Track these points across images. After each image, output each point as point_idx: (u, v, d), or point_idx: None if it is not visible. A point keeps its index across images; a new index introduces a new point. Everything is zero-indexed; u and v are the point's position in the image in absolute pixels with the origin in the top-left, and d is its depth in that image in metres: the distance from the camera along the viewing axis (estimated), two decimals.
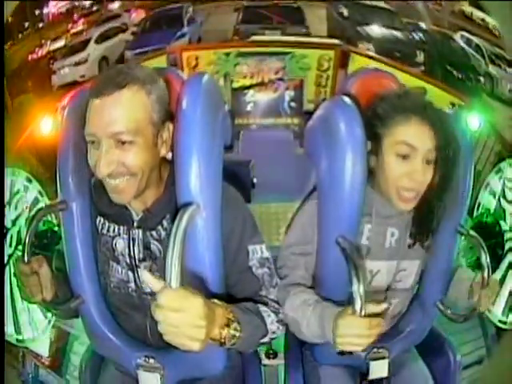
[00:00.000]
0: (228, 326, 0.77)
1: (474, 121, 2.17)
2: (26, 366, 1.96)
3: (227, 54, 2.81)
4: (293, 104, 2.91)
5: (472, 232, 1.02)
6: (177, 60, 2.75)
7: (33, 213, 0.88)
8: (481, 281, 0.96)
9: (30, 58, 2.56)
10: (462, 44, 2.67)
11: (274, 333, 0.94)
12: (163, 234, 0.91)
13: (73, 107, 0.93)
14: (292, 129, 2.84)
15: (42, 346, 1.97)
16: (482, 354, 1.96)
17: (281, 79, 2.87)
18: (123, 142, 0.80)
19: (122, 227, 0.93)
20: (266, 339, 0.93)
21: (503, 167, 2.11)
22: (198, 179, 0.83)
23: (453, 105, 2.35)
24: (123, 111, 0.80)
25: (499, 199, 2.08)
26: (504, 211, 2.06)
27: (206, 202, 0.84)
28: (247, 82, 2.89)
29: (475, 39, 2.59)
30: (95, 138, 0.81)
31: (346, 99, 0.95)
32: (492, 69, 2.50)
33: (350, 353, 0.88)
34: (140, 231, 0.91)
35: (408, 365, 1.13)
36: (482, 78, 2.53)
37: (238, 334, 0.79)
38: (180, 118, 0.85)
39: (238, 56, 2.82)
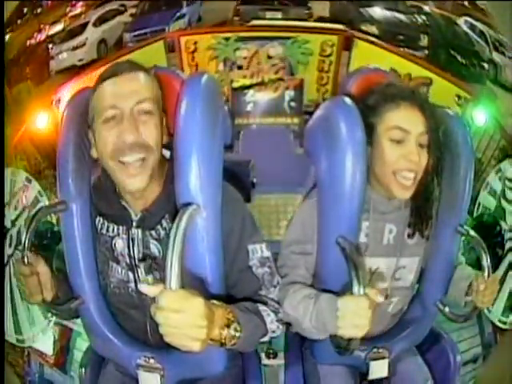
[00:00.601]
0: (228, 326, 0.77)
1: (480, 116, 2.17)
2: (31, 365, 1.97)
3: (227, 39, 2.75)
4: (293, 104, 2.90)
5: (472, 232, 1.02)
6: (175, 45, 2.69)
7: (33, 213, 0.88)
8: (481, 279, 0.97)
9: (28, 43, 2.51)
10: (466, 29, 2.62)
11: (273, 332, 0.94)
12: (162, 233, 0.91)
13: (73, 107, 0.93)
14: (292, 129, 2.83)
15: (46, 345, 1.97)
16: (478, 352, 1.96)
17: (281, 79, 2.85)
18: (144, 113, 0.84)
19: (121, 227, 0.93)
20: (265, 338, 0.93)
21: (503, 167, 2.11)
22: (197, 179, 0.83)
23: (459, 97, 2.32)
24: (142, 85, 0.85)
25: (499, 199, 2.08)
26: (504, 211, 2.06)
27: (206, 202, 0.83)
28: (247, 81, 2.88)
29: (479, 25, 2.55)
30: (116, 109, 0.83)
31: (347, 99, 0.95)
32: (496, 56, 2.45)
33: (351, 353, 0.88)
34: (139, 231, 0.91)
35: (407, 363, 1.13)
36: (485, 65, 2.48)
37: (238, 335, 0.79)
38: (180, 118, 0.85)
39: (238, 41, 2.77)
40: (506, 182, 2.07)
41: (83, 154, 0.90)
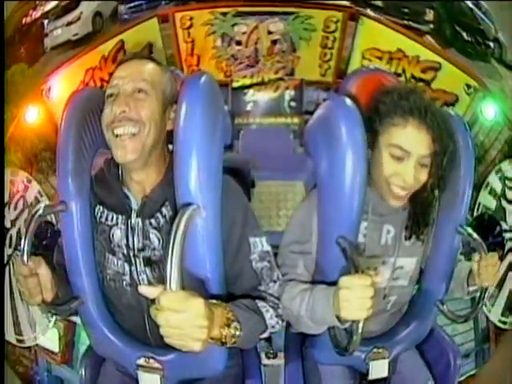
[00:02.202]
0: (228, 325, 0.77)
1: (489, 109, 2.13)
2: (38, 363, 1.97)
3: (224, 14, 2.63)
4: (293, 104, 2.89)
5: (472, 232, 1.02)
6: (169, 22, 2.59)
7: (32, 213, 0.88)
8: (479, 258, 0.96)
9: (24, 21, 2.46)
10: (471, 6, 2.57)
11: (273, 327, 0.93)
12: (162, 221, 0.91)
13: (72, 107, 0.93)
14: (292, 129, 2.82)
15: (52, 342, 1.97)
16: (471, 347, 1.96)
17: (281, 79, 2.83)
18: (139, 91, 0.88)
19: (120, 216, 0.93)
20: (265, 334, 0.93)
21: (503, 167, 2.11)
22: (197, 180, 0.83)
23: (468, 86, 2.27)
24: (145, 70, 0.91)
25: (499, 199, 2.07)
26: (504, 211, 2.05)
27: (206, 203, 0.83)
28: (247, 81, 2.86)
29: (484, 4, 2.51)
30: (116, 89, 0.89)
31: (347, 100, 0.95)
32: (501, 35, 2.42)
33: (351, 353, 0.88)
34: (139, 220, 0.91)
35: (408, 363, 1.13)
36: (491, 43, 2.44)
37: (238, 333, 0.79)
38: (179, 118, 0.85)
39: (236, 16, 2.64)
40: (507, 181, 2.07)
41: (83, 154, 0.91)
